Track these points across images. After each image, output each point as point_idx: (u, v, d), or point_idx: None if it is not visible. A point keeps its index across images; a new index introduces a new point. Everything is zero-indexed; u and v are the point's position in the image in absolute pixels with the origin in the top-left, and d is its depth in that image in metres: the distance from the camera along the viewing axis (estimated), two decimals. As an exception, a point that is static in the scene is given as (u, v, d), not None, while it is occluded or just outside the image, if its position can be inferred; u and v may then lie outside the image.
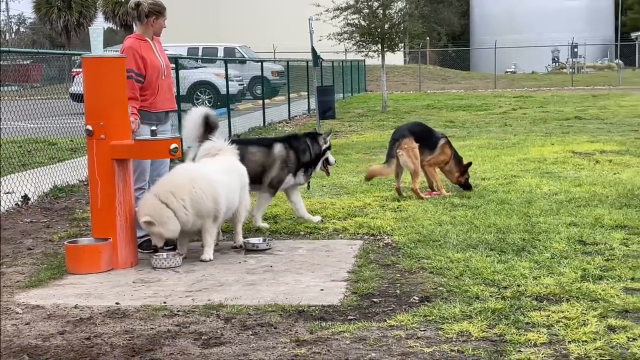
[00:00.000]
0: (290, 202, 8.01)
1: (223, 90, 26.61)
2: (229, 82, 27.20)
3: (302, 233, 7.53)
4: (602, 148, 13.34)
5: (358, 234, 7.40)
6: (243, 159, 7.47)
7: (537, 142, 14.69)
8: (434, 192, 9.35)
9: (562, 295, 5.19)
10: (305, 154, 7.88)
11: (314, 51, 17.79)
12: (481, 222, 7.54)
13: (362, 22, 24.96)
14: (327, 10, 25.16)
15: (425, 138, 9.32)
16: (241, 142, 7.93)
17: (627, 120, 19.33)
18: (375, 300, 5.28)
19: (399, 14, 25.32)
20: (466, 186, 9.44)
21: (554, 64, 58.60)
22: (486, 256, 6.27)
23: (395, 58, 46.97)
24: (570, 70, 48.69)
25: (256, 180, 7.58)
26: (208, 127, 7.16)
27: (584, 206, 8.17)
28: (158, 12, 6.89)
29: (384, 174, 9.34)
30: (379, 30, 24.55)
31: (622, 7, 67.70)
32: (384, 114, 24.41)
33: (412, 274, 5.91)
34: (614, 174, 10.46)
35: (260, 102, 29.97)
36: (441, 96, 34.42)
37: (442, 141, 9.42)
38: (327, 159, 8.08)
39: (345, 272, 5.99)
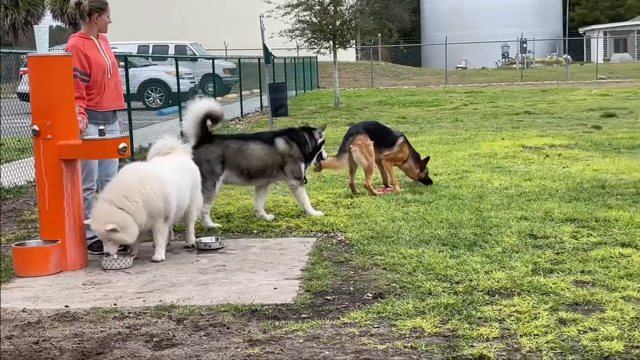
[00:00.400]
0: (256, 194, 7.98)
1: (174, 88, 26.42)
2: (180, 80, 27.07)
3: (255, 231, 7.48)
4: (552, 142, 13.52)
5: (311, 231, 7.38)
6: (243, 153, 7.65)
7: (487, 137, 14.82)
8: (388, 188, 9.37)
9: (513, 289, 5.22)
10: (305, 147, 7.98)
11: (265, 48, 17.78)
12: (433, 217, 7.57)
13: (314, 19, 24.98)
14: (278, 7, 25.10)
15: (382, 136, 9.34)
16: (242, 138, 8.07)
17: (575, 115, 19.62)
18: (328, 297, 5.27)
19: (350, 11, 25.38)
20: (426, 181, 9.49)
21: (503, 59, 59.29)
22: (439, 251, 6.30)
23: (347, 54, 47.14)
24: (520, 65, 49.30)
25: (256, 174, 7.72)
26: (212, 122, 7.46)
27: (534, 200, 8.26)
28: (100, 8, 6.76)
29: (331, 167, 9.27)
30: (330, 27, 24.59)
31: (570, 3, 68.73)
32: (337, 110, 24.44)
33: (366, 271, 5.90)
34: (563, 167, 10.60)
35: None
36: (393, 92, 34.57)
37: (400, 140, 9.46)
38: (320, 154, 8.22)
39: (298, 270, 5.97)
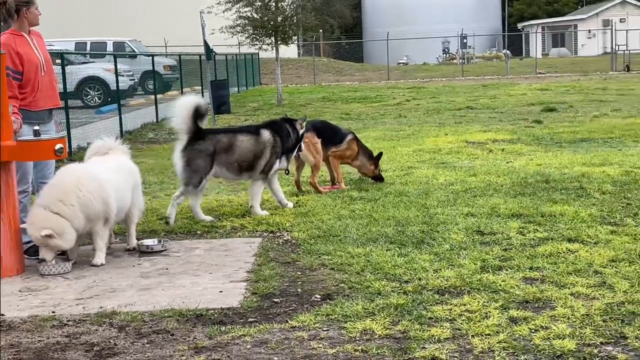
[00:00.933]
0: (271, 189, 8.08)
1: (113, 86, 25.96)
2: (119, 78, 26.60)
3: (199, 232, 7.30)
4: (495, 137, 13.59)
5: (257, 231, 7.23)
6: (232, 147, 7.66)
7: (431, 133, 14.84)
8: (334, 186, 9.26)
9: (463, 288, 5.15)
10: (288, 138, 8.04)
11: (206, 45, 17.56)
12: (380, 215, 7.49)
13: (255, 15, 24.73)
14: (219, 3, 24.81)
15: (330, 135, 9.24)
16: (230, 131, 8.15)
17: (516, 109, 19.80)
18: (276, 300, 5.13)
19: (292, 7, 25.21)
20: (378, 178, 9.41)
21: (444, 54, 59.80)
22: (386, 250, 6.21)
23: (289, 51, 46.92)
24: (461, 60, 49.76)
25: (246, 167, 7.77)
26: (198, 117, 7.41)
27: (479, 196, 8.24)
28: (26, 2, 6.47)
29: None
30: (272, 23, 24.38)
31: (509, -1, 69.68)
32: (280, 107, 24.27)
33: (313, 271, 5.78)
34: (507, 162, 10.63)
35: (153, 97, 29.37)
36: (336, 88, 34.55)
37: (349, 137, 9.38)
38: (300, 145, 8.30)
39: (244, 272, 5.81)
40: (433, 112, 19.97)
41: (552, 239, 6.37)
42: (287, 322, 4.67)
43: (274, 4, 25.02)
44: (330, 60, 55.85)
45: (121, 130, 16.46)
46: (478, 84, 33.77)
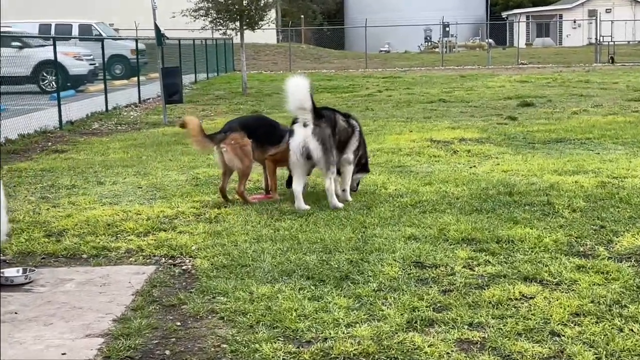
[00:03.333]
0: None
1: (72, 71, 24.61)
2: (78, 62, 25.25)
3: (84, 256, 6.03)
4: (462, 135, 12.37)
5: (154, 256, 5.98)
6: (340, 126, 7.45)
7: (395, 129, 13.62)
8: (267, 196, 8.01)
9: (376, 356, 3.92)
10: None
11: (157, 29, 16.22)
12: (307, 236, 6.25)
13: (219, -2, 23.28)
14: (180, -15, 23.43)
15: (265, 133, 7.92)
16: (332, 110, 7.75)
17: (492, 103, 18.59)
18: (130, 369, 3.90)
19: (259, -10, 23.77)
20: None
21: (426, 43, 58.52)
22: (299, 289, 4.98)
23: (268, 36, 45.63)
24: (443, 49, 48.46)
25: (342, 148, 7.52)
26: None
27: (429, 212, 7.01)
28: None
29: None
30: (236, 7, 22.95)
31: (494, -14, 68.36)
32: (244, 96, 22.96)
33: (197, 321, 4.54)
34: (470, 167, 9.43)
35: (117, 82, 28.07)
36: (310, 76, 33.18)
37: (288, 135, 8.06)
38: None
39: (109, 321, 4.57)
40: (403, 105, 18.72)
41: (504, 276, 5.15)
42: (126, 412, 3.44)
43: (239, -15, 23.56)
44: (309, 47, 54.42)
45: (60, 120, 15.11)
46: (457, 74, 32.54)
